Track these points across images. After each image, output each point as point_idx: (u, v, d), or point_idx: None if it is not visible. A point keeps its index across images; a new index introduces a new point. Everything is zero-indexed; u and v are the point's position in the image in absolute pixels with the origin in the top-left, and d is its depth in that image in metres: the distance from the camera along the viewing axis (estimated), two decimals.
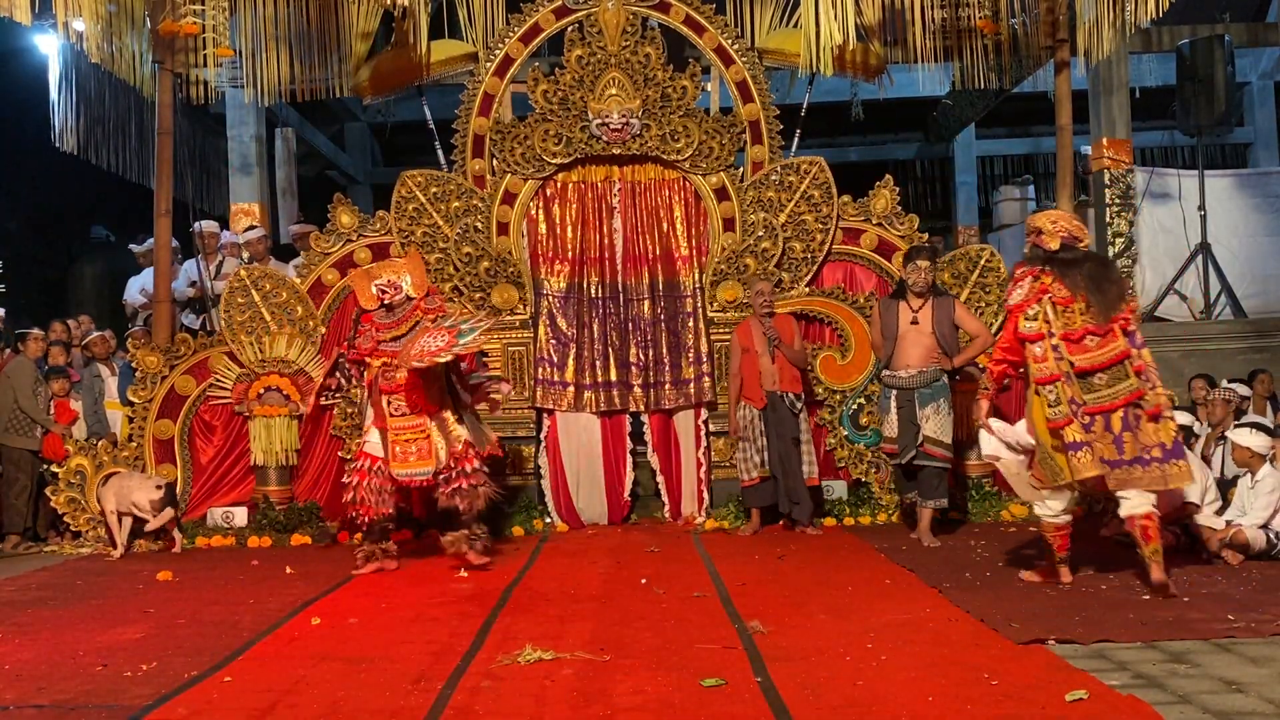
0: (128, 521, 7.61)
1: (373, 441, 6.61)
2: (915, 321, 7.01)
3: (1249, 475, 6.22)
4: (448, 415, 6.59)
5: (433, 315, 6.58)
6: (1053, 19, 8.99)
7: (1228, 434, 6.71)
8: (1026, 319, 5.44)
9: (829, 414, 8.20)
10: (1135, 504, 5.30)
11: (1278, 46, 12.82)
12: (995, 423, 5.69)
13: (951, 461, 7.10)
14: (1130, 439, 5.28)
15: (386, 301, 6.64)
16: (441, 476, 6.52)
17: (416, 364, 6.22)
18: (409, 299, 6.66)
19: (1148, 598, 5.16)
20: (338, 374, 6.81)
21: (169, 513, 7.63)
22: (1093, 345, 5.35)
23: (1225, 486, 6.66)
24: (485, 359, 8.08)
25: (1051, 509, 5.58)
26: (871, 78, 9.16)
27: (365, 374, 6.69)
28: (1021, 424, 5.62)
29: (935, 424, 6.91)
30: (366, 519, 6.56)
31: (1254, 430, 6.31)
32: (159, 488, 7.54)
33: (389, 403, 6.48)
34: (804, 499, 7.54)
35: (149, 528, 7.62)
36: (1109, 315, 5.38)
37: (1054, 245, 5.51)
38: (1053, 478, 5.42)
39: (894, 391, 7.06)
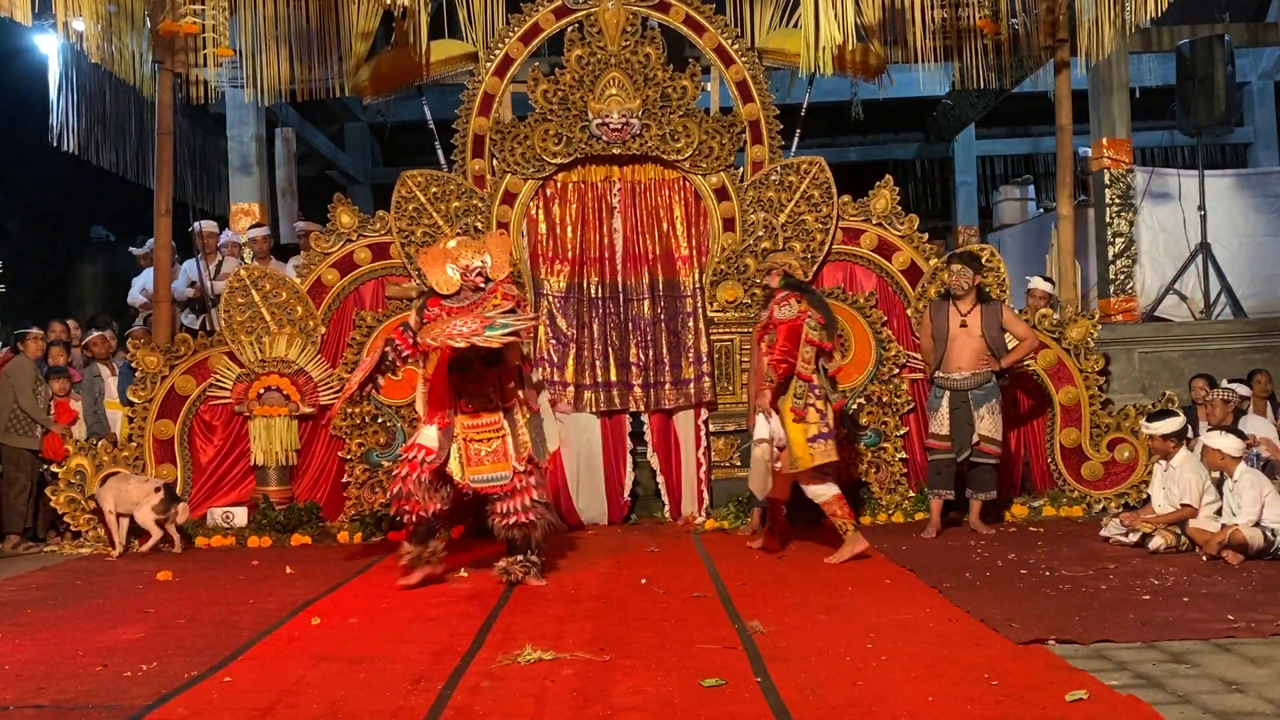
0: (125, 521, 7.62)
1: (428, 434, 6.00)
2: (964, 325, 7.34)
3: (1229, 479, 6.27)
4: (519, 416, 6.07)
5: (511, 302, 6.01)
6: (1053, 19, 9.00)
7: (1201, 438, 6.75)
8: (811, 329, 6.48)
9: None
10: (832, 488, 6.54)
11: (1278, 46, 12.82)
12: (774, 415, 6.48)
13: (1001, 457, 7.45)
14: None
15: (471, 287, 6.00)
16: (502, 502, 5.99)
17: (431, 341, 5.70)
18: (488, 281, 6.06)
19: (1148, 598, 5.16)
20: (382, 366, 6.13)
21: (184, 508, 7.67)
22: (834, 358, 6.79)
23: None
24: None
25: (829, 491, 6.55)
26: (871, 78, 9.16)
27: (427, 365, 6.09)
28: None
29: (989, 424, 7.29)
30: (414, 516, 5.94)
31: (1224, 433, 6.46)
32: (157, 490, 7.54)
33: (461, 399, 5.95)
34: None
35: (179, 519, 7.65)
36: (834, 336, 6.73)
37: (801, 275, 6.86)
38: (790, 465, 6.43)
39: (946, 393, 7.36)
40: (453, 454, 5.98)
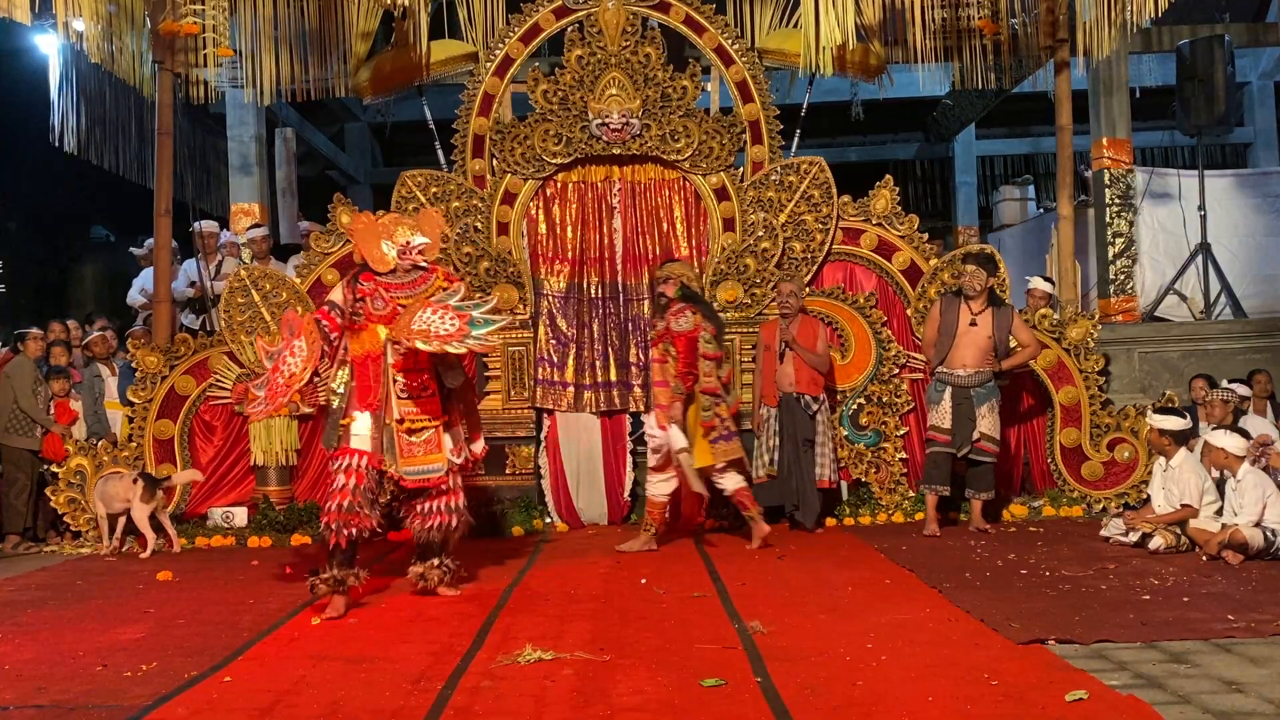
0: (122, 520, 7.67)
1: (360, 434, 5.46)
2: (974, 324, 7.38)
3: (1232, 478, 6.25)
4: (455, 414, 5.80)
5: (455, 283, 5.70)
6: (1053, 19, 9.00)
7: (1204, 437, 6.74)
8: (705, 342, 6.94)
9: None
10: (737, 479, 7.06)
11: (1278, 46, 12.82)
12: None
13: (999, 456, 7.51)
14: None
15: (409, 265, 5.63)
16: (428, 500, 5.62)
17: (421, 344, 5.22)
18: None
19: (1148, 598, 5.16)
20: (323, 365, 5.53)
21: (190, 474, 7.77)
22: (724, 365, 7.26)
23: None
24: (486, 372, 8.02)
25: (665, 491, 7.03)
26: (871, 78, 9.16)
27: (354, 344, 5.57)
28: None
29: (989, 422, 7.36)
30: (355, 532, 5.38)
31: (1228, 432, 6.45)
32: (135, 481, 7.57)
33: (397, 382, 5.52)
34: (809, 502, 7.55)
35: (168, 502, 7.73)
36: (723, 346, 7.21)
37: (696, 287, 7.29)
38: (691, 465, 6.79)
39: (949, 388, 7.41)
40: (385, 444, 5.52)
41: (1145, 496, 7.16)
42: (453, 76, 9.07)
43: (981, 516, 7.41)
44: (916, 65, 9.23)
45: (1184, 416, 6.84)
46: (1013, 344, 7.50)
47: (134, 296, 9.80)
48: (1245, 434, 6.50)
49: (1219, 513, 6.34)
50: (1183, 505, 6.45)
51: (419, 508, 5.68)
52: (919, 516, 7.77)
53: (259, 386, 5.54)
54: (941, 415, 7.39)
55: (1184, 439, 6.73)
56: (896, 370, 8.20)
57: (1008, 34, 9.37)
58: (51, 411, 8.40)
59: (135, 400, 8.16)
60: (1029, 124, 15.84)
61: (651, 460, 7.10)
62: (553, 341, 8.32)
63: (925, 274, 8.27)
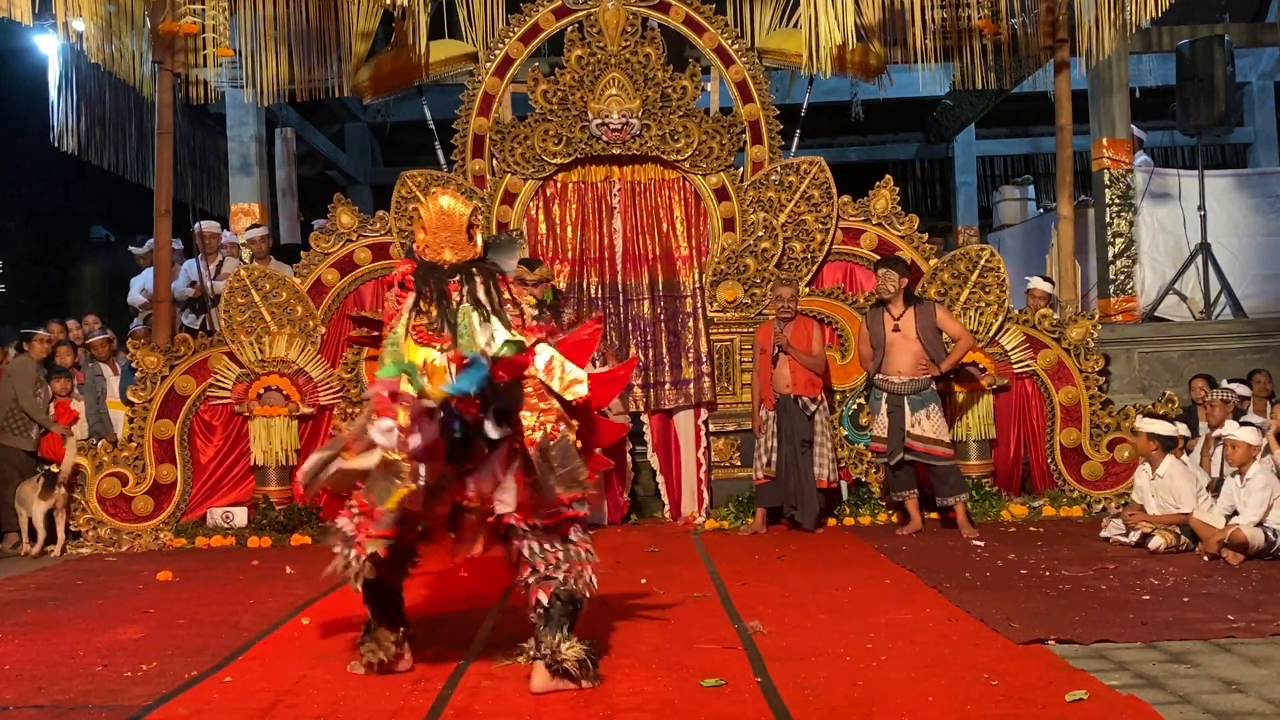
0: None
1: None
2: (898, 329, 7.31)
3: (1237, 475, 6.22)
4: None
5: None
6: (1053, 19, 9.00)
7: (1223, 432, 6.72)
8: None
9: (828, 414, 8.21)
10: None
11: (1278, 46, 12.82)
12: None
13: (954, 457, 7.40)
14: None
15: None
16: None
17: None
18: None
19: (1148, 598, 5.16)
20: None
21: (70, 450, 7.84)
22: None
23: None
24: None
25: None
26: (871, 78, 9.16)
27: None
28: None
29: (930, 426, 7.26)
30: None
31: (1242, 426, 6.40)
32: (38, 480, 7.78)
33: None
34: (807, 503, 7.54)
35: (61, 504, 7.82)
36: None
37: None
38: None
39: (885, 394, 7.38)
40: None
41: (1126, 500, 7.15)
42: (453, 76, 9.07)
43: (967, 521, 7.22)
44: (916, 65, 9.23)
45: (1170, 422, 6.82)
46: (946, 340, 7.45)
47: (134, 296, 9.80)
48: (1259, 429, 6.43)
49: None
50: (1180, 512, 6.44)
51: None
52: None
53: None
54: (880, 425, 7.39)
55: (1170, 445, 6.71)
56: None
57: (1008, 34, 9.36)
58: (52, 411, 8.40)
59: (135, 400, 8.16)
60: (1029, 124, 15.83)
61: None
62: None
63: (925, 274, 8.27)
